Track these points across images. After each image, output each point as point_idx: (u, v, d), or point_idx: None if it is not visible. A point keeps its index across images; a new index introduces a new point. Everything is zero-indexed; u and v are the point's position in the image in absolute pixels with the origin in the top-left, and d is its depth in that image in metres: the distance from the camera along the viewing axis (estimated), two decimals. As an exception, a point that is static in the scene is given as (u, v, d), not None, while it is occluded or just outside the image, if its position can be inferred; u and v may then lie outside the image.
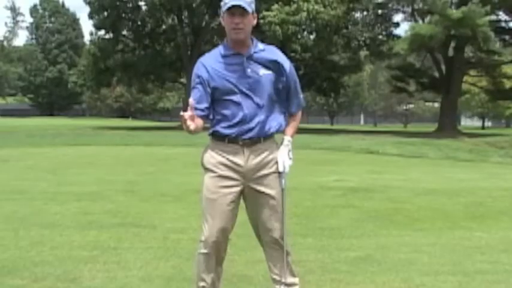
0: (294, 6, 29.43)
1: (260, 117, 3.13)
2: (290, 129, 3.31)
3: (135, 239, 5.29)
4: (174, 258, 4.64)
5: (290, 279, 3.29)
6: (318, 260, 4.61)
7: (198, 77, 3.14)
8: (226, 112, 3.12)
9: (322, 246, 5.11)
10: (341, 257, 4.73)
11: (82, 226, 5.84)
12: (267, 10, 28.81)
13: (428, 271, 4.37)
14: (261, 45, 3.18)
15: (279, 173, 3.20)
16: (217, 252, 3.21)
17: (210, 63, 3.13)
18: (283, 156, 3.21)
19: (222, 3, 3.09)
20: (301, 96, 3.36)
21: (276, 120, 3.20)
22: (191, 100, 3.01)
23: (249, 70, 3.10)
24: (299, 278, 3.39)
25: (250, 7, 3.05)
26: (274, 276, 3.30)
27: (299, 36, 31.30)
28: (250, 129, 3.12)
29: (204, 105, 3.12)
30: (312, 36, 32.16)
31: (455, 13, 26.65)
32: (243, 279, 4.05)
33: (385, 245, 5.24)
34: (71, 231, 5.57)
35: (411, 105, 65.74)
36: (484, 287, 4.05)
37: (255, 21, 3.12)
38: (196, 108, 3.04)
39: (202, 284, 3.26)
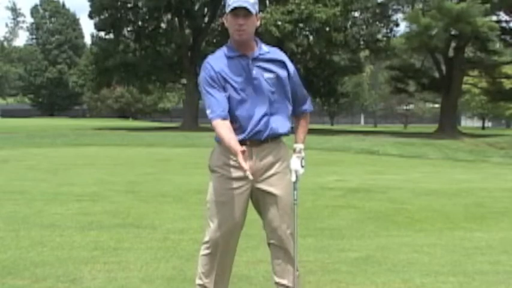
0: (288, 6, 29.52)
1: (267, 119, 3.12)
2: (301, 135, 3.31)
3: (135, 240, 5.29)
4: (175, 258, 4.64)
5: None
6: (318, 261, 4.61)
7: (211, 78, 3.09)
8: (233, 114, 3.10)
9: (322, 247, 5.11)
10: (341, 258, 4.73)
11: (82, 227, 5.84)
12: (261, 11, 28.90)
13: (428, 272, 4.37)
14: (265, 47, 3.18)
15: (293, 182, 3.21)
16: (222, 253, 3.20)
17: (217, 64, 3.11)
18: (296, 165, 3.21)
19: (226, 5, 3.08)
20: (309, 99, 3.35)
21: (282, 122, 3.18)
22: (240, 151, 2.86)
23: (254, 72, 3.10)
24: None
25: (254, 8, 3.04)
26: (278, 280, 3.28)
27: (296, 35, 31.29)
28: (258, 131, 3.11)
29: (227, 109, 3.07)
30: (311, 37, 32.19)
31: (454, 6, 26.66)
32: (243, 279, 4.05)
33: (385, 245, 5.24)
34: (72, 232, 5.57)
35: (411, 106, 65.70)
36: (484, 287, 4.05)
37: (258, 23, 3.12)
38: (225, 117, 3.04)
39: (199, 282, 3.26)
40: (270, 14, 29.45)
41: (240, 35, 3.06)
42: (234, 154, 2.93)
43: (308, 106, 3.35)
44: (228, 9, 3.05)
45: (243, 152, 2.86)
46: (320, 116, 61.77)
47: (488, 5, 27.14)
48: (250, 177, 2.86)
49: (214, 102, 3.06)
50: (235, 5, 3.00)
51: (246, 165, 2.83)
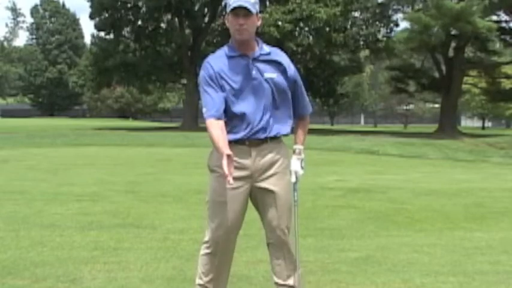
0: (289, 5, 29.51)
1: (266, 120, 3.11)
2: (300, 136, 3.31)
3: (135, 240, 5.29)
4: (175, 258, 4.64)
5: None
6: (318, 261, 4.61)
7: (209, 77, 3.09)
8: (232, 113, 3.10)
9: (322, 247, 5.11)
10: (341, 258, 4.73)
11: (82, 227, 5.84)
12: (261, 12, 28.87)
13: (428, 272, 4.37)
14: (266, 48, 3.18)
15: (293, 183, 3.22)
16: (222, 253, 3.20)
17: (217, 64, 3.11)
18: (295, 167, 3.22)
19: (226, 5, 3.08)
20: (307, 100, 3.35)
21: (283, 122, 3.18)
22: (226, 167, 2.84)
23: (254, 72, 3.10)
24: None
25: (254, 8, 3.05)
26: (277, 280, 3.27)
27: (296, 34, 31.23)
28: (256, 131, 3.10)
29: (222, 109, 3.08)
30: (310, 37, 32.13)
31: (453, 5, 26.68)
32: (243, 279, 4.05)
33: (385, 245, 5.24)
34: (72, 232, 5.58)
35: (411, 106, 65.72)
36: (484, 287, 4.05)
37: (259, 23, 3.12)
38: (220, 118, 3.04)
39: (200, 281, 3.26)
40: (270, 14, 29.43)
41: (240, 35, 3.06)
42: (220, 155, 2.93)
43: (308, 107, 3.34)
44: (228, 9, 3.05)
45: (228, 156, 2.86)
46: (320, 116, 61.75)
47: (486, 2, 27.12)
48: (231, 181, 2.85)
49: (210, 101, 3.07)
50: (236, 4, 3.01)
51: (228, 169, 2.84)
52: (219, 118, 3.05)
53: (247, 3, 3.01)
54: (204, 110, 3.09)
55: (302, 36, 31.30)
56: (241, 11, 3.02)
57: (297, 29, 31.21)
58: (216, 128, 3.01)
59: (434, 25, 27.12)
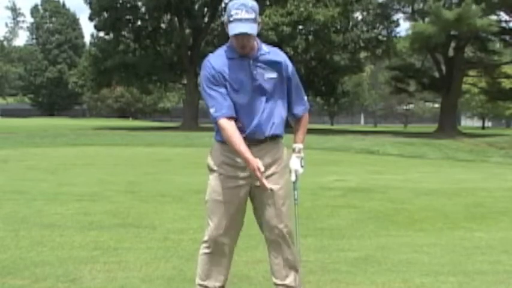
0: (288, 8, 29.43)
1: (266, 119, 3.12)
2: (300, 135, 3.31)
3: (135, 240, 5.29)
4: (175, 258, 4.64)
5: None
6: (318, 261, 4.61)
7: (212, 76, 3.08)
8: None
9: (322, 247, 5.11)
10: (341, 258, 4.73)
11: (82, 226, 5.84)
12: (260, 14, 28.76)
13: (428, 271, 4.37)
14: (265, 48, 3.18)
15: (293, 182, 3.25)
16: (221, 252, 3.21)
17: (217, 63, 3.11)
18: (295, 165, 3.23)
19: (227, 11, 3.04)
20: (306, 98, 3.36)
21: (282, 122, 3.19)
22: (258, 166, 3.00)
23: (254, 72, 3.10)
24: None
25: (255, 21, 3.02)
26: (275, 280, 3.28)
27: (296, 36, 31.18)
28: (256, 131, 3.11)
29: (232, 107, 3.08)
30: (310, 37, 32.08)
31: (450, 13, 26.75)
32: (243, 279, 4.05)
33: (385, 245, 5.24)
34: (71, 232, 5.57)
35: (411, 106, 65.72)
36: (484, 287, 4.05)
37: (259, 27, 3.09)
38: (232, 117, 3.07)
39: (199, 281, 3.26)
40: (268, 17, 29.29)
41: (243, 50, 3.06)
42: (246, 163, 3.01)
43: (306, 106, 3.35)
44: (230, 32, 3.00)
45: (259, 169, 2.97)
46: (320, 116, 61.79)
47: (483, 5, 27.14)
48: (268, 186, 3.05)
49: (219, 99, 3.05)
50: (237, 32, 2.97)
51: (266, 182, 3.01)
52: (231, 117, 3.04)
53: (248, 27, 2.97)
54: (212, 110, 3.05)
55: (299, 39, 31.19)
56: (244, 35, 2.99)
57: (296, 31, 31.08)
58: (233, 129, 3.02)
59: (437, 33, 27.13)
